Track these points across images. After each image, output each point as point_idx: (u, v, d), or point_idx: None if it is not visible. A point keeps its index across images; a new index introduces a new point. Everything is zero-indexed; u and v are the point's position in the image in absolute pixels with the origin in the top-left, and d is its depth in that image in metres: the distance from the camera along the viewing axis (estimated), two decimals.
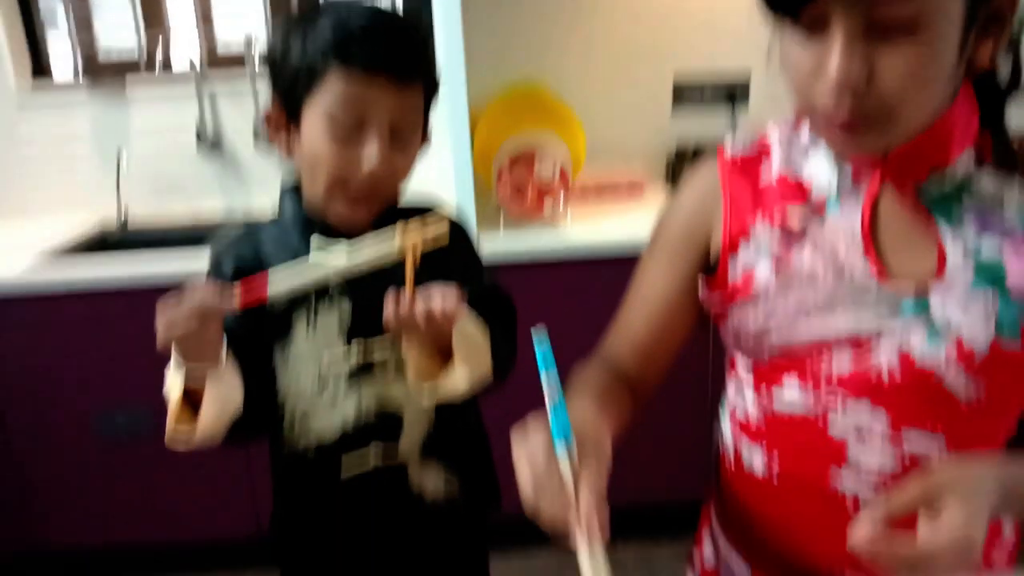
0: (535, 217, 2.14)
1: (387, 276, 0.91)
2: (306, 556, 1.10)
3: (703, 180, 0.89)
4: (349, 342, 1.01)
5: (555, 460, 0.65)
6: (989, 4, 0.68)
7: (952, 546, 0.64)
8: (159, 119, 2.50)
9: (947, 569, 0.65)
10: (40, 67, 2.54)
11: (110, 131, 2.50)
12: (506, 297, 1.09)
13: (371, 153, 0.93)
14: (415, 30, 0.98)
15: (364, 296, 0.98)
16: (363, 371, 1.02)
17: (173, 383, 0.91)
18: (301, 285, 0.92)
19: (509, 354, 1.04)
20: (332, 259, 0.92)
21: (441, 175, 2.18)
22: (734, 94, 2.45)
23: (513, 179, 2.12)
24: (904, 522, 0.67)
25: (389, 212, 1.01)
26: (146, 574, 2.25)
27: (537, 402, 0.67)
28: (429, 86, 0.99)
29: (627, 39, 2.44)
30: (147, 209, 2.52)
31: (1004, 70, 0.76)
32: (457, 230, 1.06)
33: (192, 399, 0.91)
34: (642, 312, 0.92)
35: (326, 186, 0.96)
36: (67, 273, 1.98)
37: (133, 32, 2.57)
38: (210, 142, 2.50)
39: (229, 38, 2.60)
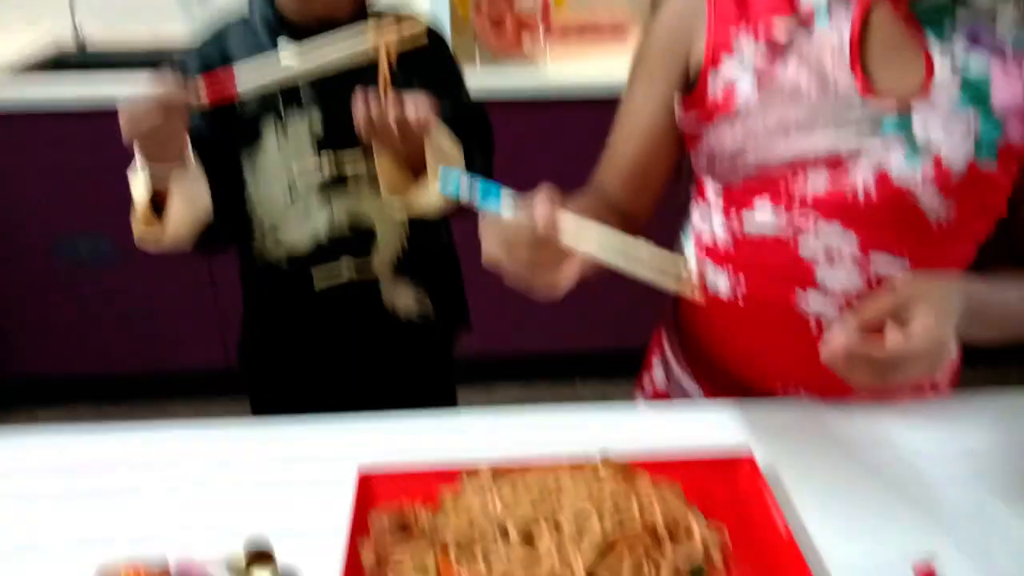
0: (514, 53, 2.06)
1: (359, 83, 0.86)
2: (278, 373, 1.10)
3: None
4: (320, 153, 0.97)
5: (515, 221, 0.63)
6: None
7: (925, 348, 0.64)
8: None
9: (919, 372, 0.65)
10: None
11: None
12: (484, 116, 1.05)
13: None
14: None
15: (335, 105, 0.93)
16: (335, 184, 0.98)
17: (138, 185, 0.88)
18: (269, 82, 0.87)
19: (485, 166, 1.01)
20: (301, 58, 0.87)
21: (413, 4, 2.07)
22: None
23: (491, 11, 2.03)
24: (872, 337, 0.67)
25: (364, 12, 0.95)
26: (114, 402, 2.26)
27: None
28: None
29: None
30: (103, 29, 2.37)
31: None
32: (435, 38, 1.01)
33: (160, 203, 0.88)
34: (628, 140, 0.89)
35: None
36: (24, 92, 1.87)
37: None
38: None
39: None
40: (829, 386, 0.85)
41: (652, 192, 0.91)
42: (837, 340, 0.66)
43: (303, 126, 0.96)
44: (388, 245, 1.02)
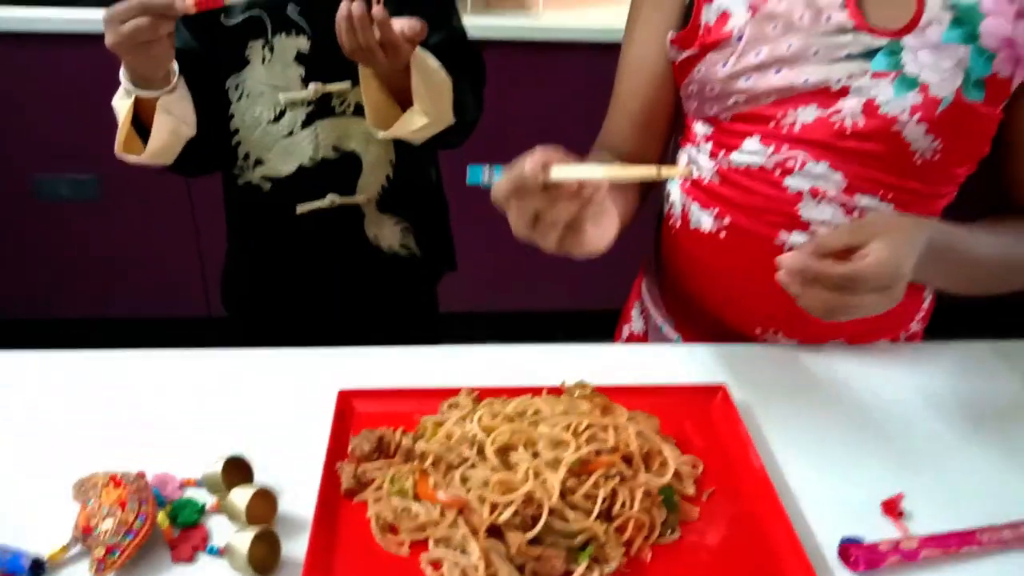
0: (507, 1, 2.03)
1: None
2: (260, 303, 1.09)
3: None
4: (307, 78, 0.95)
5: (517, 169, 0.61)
6: None
7: (876, 273, 0.64)
8: None
9: (871, 300, 0.65)
10: None
11: None
12: (475, 51, 1.04)
13: None
14: None
15: (324, 27, 0.90)
16: (321, 109, 0.97)
17: (121, 106, 0.86)
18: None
19: (475, 107, 1.00)
20: None
21: None
22: None
23: None
24: None
25: None
26: (95, 346, 2.25)
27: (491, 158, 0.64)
28: None
29: None
30: None
31: None
32: None
33: (145, 117, 0.87)
34: (632, 82, 0.89)
35: None
36: (3, 16, 1.83)
37: None
38: None
39: None
40: (807, 329, 0.86)
41: (661, 137, 0.92)
42: (791, 259, 0.66)
43: (291, 47, 0.95)
44: (373, 175, 1.01)
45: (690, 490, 0.65)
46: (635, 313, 1.04)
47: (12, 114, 1.92)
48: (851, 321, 0.77)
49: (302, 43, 0.95)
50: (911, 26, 0.74)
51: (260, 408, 0.74)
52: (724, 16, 0.79)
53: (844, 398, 0.79)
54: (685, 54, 0.82)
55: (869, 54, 0.75)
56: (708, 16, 0.80)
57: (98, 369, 0.80)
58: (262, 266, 1.07)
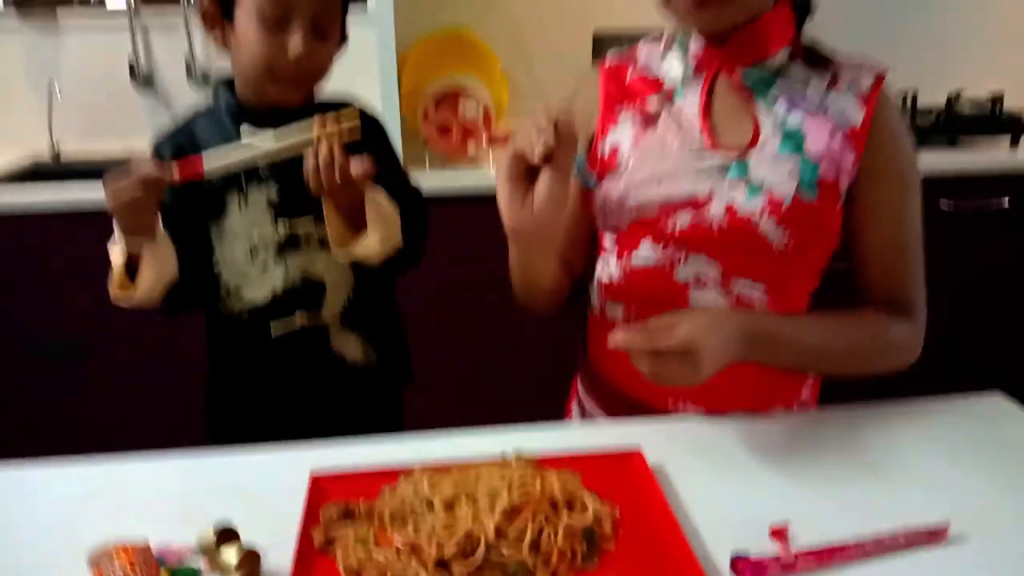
0: (460, 157, 2.27)
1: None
2: (239, 417, 1.22)
3: (586, 87, 1.08)
4: (276, 220, 1.13)
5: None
6: None
7: (682, 346, 0.82)
8: (92, 52, 2.53)
9: (680, 367, 0.82)
10: None
11: (42, 63, 2.53)
12: (416, 189, 1.23)
13: (296, 42, 1.05)
14: None
15: (289, 177, 1.09)
16: (289, 244, 1.14)
17: (115, 253, 1.03)
18: (233, 164, 1.03)
19: (420, 234, 1.18)
20: (260, 143, 1.03)
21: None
22: None
23: (438, 119, 2.25)
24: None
25: (310, 105, 1.13)
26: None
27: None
28: None
29: None
30: (79, 144, 2.56)
31: None
32: (373, 124, 1.20)
33: (134, 268, 1.03)
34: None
35: (259, 72, 1.07)
36: (2, 199, 2.03)
37: None
38: (143, 77, 2.55)
39: None
40: (712, 400, 1.01)
41: (583, 247, 1.11)
42: (620, 333, 0.84)
43: (262, 196, 1.13)
44: (336, 297, 1.17)
45: (607, 529, 0.77)
46: (574, 408, 1.18)
47: (10, 281, 2.08)
48: (747, 391, 0.95)
49: (271, 192, 1.13)
50: (752, 144, 0.95)
51: (245, 490, 0.86)
52: (614, 149, 1.00)
53: (743, 456, 0.93)
54: (591, 178, 1.01)
55: (724, 168, 0.95)
56: (603, 149, 1.01)
57: (107, 472, 0.92)
58: (242, 386, 1.21)
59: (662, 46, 1.04)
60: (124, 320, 2.09)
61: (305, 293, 1.16)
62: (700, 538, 0.78)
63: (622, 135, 1.01)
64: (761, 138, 0.95)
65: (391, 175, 1.17)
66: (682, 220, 0.96)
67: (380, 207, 1.06)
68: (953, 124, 2.54)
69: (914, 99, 2.67)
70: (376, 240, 1.05)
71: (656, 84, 1.02)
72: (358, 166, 1.00)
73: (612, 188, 1.00)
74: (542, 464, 0.84)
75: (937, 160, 2.33)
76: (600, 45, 2.60)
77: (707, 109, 0.97)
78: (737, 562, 0.73)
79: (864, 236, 0.99)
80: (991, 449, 0.95)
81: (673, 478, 0.88)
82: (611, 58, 1.08)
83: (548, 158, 0.83)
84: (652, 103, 1.00)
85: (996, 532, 0.79)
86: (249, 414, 1.21)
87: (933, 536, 0.77)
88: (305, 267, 1.16)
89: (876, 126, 0.95)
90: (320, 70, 1.11)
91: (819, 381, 1.11)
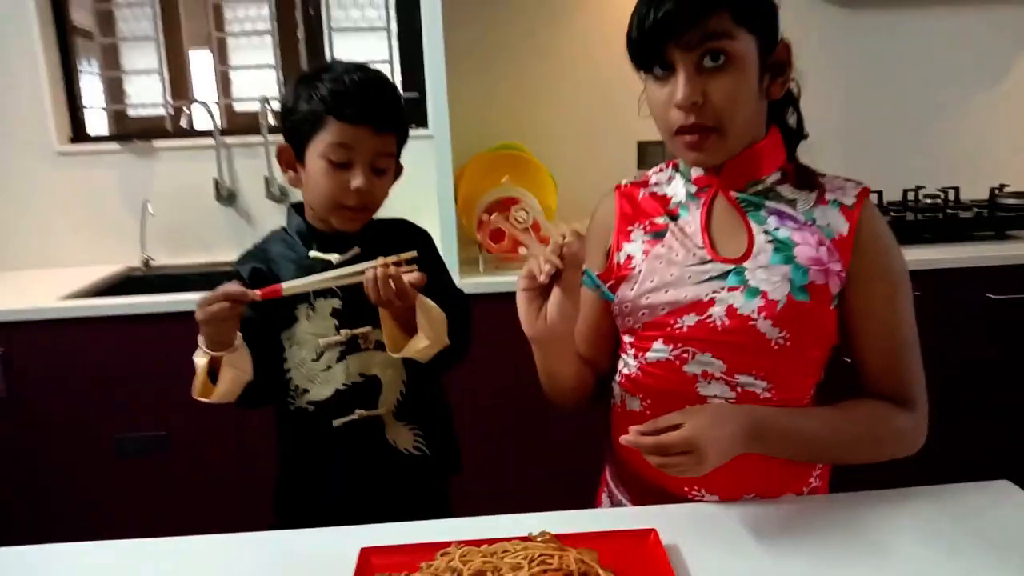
0: (511, 260, 2.43)
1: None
2: (305, 501, 1.34)
3: (605, 206, 1.23)
4: (339, 327, 1.28)
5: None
6: (772, 54, 1.03)
7: (676, 443, 0.93)
8: (181, 173, 2.82)
9: (686, 460, 0.94)
10: (78, 127, 2.87)
11: (137, 184, 2.81)
12: (460, 293, 1.37)
13: (357, 182, 1.23)
14: (392, 89, 1.29)
15: (350, 291, 1.25)
16: (350, 347, 1.29)
17: (199, 360, 1.19)
18: (307, 288, 1.20)
19: (464, 332, 1.31)
20: (329, 274, 1.20)
21: (430, 223, 2.47)
22: None
23: (491, 225, 2.42)
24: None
25: (373, 224, 1.30)
26: None
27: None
28: (401, 132, 1.30)
29: (593, 106, 2.78)
30: (168, 256, 2.82)
31: (793, 121, 1.12)
32: (421, 235, 1.37)
33: (215, 371, 1.19)
34: (582, 313, 1.21)
35: (325, 205, 1.25)
36: (94, 305, 2.26)
37: (160, 97, 2.91)
38: (226, 196, 2.81)
39: (246, 103, 2.93)
40: (725, 487, 1.10)
41: (605, 346, 1.23)
42: (631, 432, 0.96)
43: (327, 306, 1.28)
44: (390, 393, 1.31)
45: None
46: (604, 496, 1.27)
47: (93, 384, 2.29)
48: (759, 478, 1.05)
49: (335, 303, 1.29)
50: (747, 255, 1.07)
51: (306, 562, 0.99)
52: (628, 258, 1.13)
53: (753, 539, 1.01)
54: (607, 286, 1.14)
55: (724, 275, 1.07)
56: (619, 258, 1.15)
57: (190, 546, 1.05)
58: (306, 472, 1.34)
59: (669, 169, 1.19)
60: (202, 418, 2.28)
61: (363, 389, 1.31)
62: None
63: (635, 247, 1.14)
64: (755, 249, 1.07)
65: (438, 280, 1.32)
66: (688, 320, 1.08)
67: (429, 312, 1.20)
68: (996, 218, 2.62)
69: (956, 195, 2.76)
70: (426, 341, 1.19)
71: (665, 200, 1.16)
72: (412, 278, 1.15)
73: (627, 293, 1.13)
74: (564, 542, 0.94)
75: (982, 252, 2.41)
76: (644, 151, 2.78)
77: (707, 224, 1.11)
78: None
79: (860, 334, 1.09)
80: (996, 534, 1.00)
81: (686, 556, 0.96)
82: (626, 182, 1.23)
83: (557, 276, 0.96)
84: (659, 219, 1.14)
85: None
86: (312, 497, 1.34)
87: None
88: (363, 367, 1.30)
89: (861, 234, 1.07)
90: (377, 202, 1.29)
91: (828, 469, 1.18)
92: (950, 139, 2.96)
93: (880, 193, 2.73)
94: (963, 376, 2.45)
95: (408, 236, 1.39)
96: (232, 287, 1.14)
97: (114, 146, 2.80)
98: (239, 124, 2.91)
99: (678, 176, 1.17)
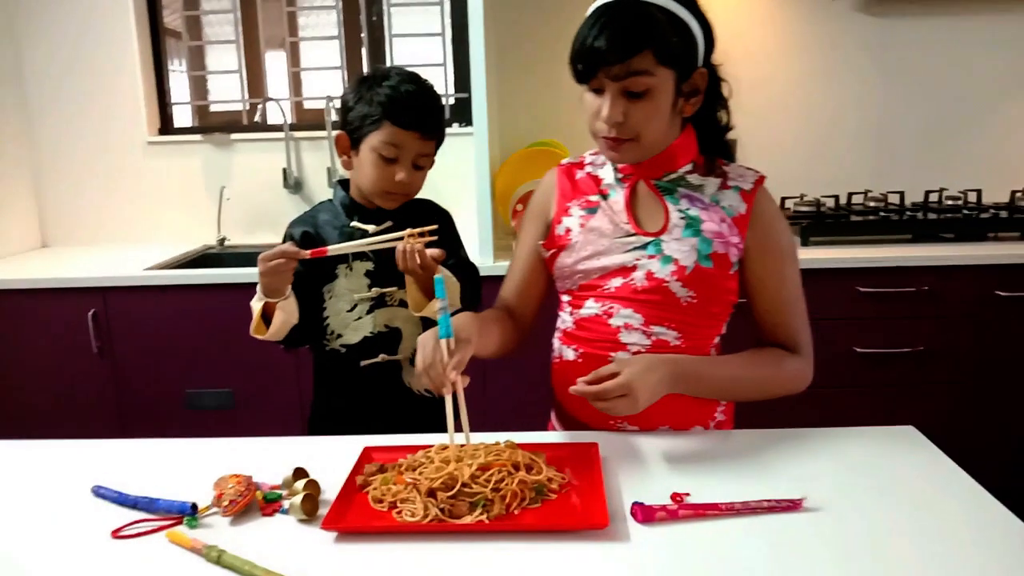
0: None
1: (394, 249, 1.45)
2: (333, 422, 1.61)
3: (548, 180, 1.46)
4: (371, 287, 1.55)
5: (439, 347, 1.17)
6: (688, 82, 1.25)
7: (614, 389, 1.14)
8: (254, 163, 3.15)
9: (623, 404, 1.15)
10: (165, 120, 3.24)
11: (216, 172, 3.16)
12: (472, 266, 1.62)
13: (401, 176, 1.50)
14: (438, 100, 1.55)
15: (382, 257, 1.52)
16: (379, 303, 1.56)
17: (256, 304, 1.47)
18: (347, 250, 1.46)
19: (474, 299, 1.57)
20: (366, 239, 1.46)
21: (467, 212, 2.73)
22: None
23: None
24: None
25: (406, 203, 1.57)
26: None
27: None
28: (440, 138, 1.56)
29: None
30: (241, 236, 3.16)
31: (723, 118, 1.33)
32: (444, 215, 1.63)
33: (268, 315, 1.47)
34: (517, 266, 1.49)
35: (372, 191, 1.53)
36: (175, 275, 2.61)
37: (239, 94, 3.25)
38: (293, 184, 3.13)
39: (313, 100, 3.25)
40: (644, 420, 1.33)
41: (535, 300, 1.48)
42: (579, 383, 1.18)
43: (362, 268, 1.55)
44: (409, 342, 1.57)
45: (555, 486, 1.10)
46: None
47: (170, 343, 2.63)
48: (670, 411, 1.30)
49: (369, 265, 1.56)
50: (664, 229, 1.30)
51: (325, 458, 1.24)
52: (568, 230, 1.37)
53: (665, 454, 1.24)
54: (549, 253, 1.38)
55: (644, 246, 1.30)
56: (559, 230, 1.39)
57: (243, 445, 1.33)
58: (335, 403, 1.62)
59: (600, 156, 1.41)
60: (263, 379, 2.59)
61: (387, 338, 1.57)
62: (620, 496, 1.10)
63: (573, 221, 1.37)
64: (670, 224, 1.30)
65: (454, 254, 1.57)
66: (615, 283, 1.32)
67: (446, 279, 1.45)
68: (1015, 219, 2.77)
69: (978, 197, 2.89)
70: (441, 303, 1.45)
71: (598, 181, 1.39)
72: (433, 253, 1.41)
73: (565, 260, 1.37)
74: (521, 447, 1.18)
75: (1002, 251, 2.58)
76: None
77: (631, 204, 1.34)
78: (634, 506, 1.04)
79: (756, 295, 1.33)
80: (859, 451, 1.22)
81: (611, 463, 1.20)
82: (566, 161, 1.46)
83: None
84: (593, 198, 1.37)
85: (843, 506, 1.07)
86: (339, 422, 1.61)
87: (791, 506, 1.06)
88: (388, 319, 1.57)
89: (756, 214, 1.30)
90: (415, 191, 1.56)
91: (732, 407, 1.42)
92: (976, 143, 3.08)
93: (902, 194, 2.89)
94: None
95: (432, 214, 1.64)
96: (289, 246, 1.41)
97: (197, 138, 3.15)
98: (307, 120, 3.23)
99: (608, 162, 1.39)
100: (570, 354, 1.38)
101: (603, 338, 1.33)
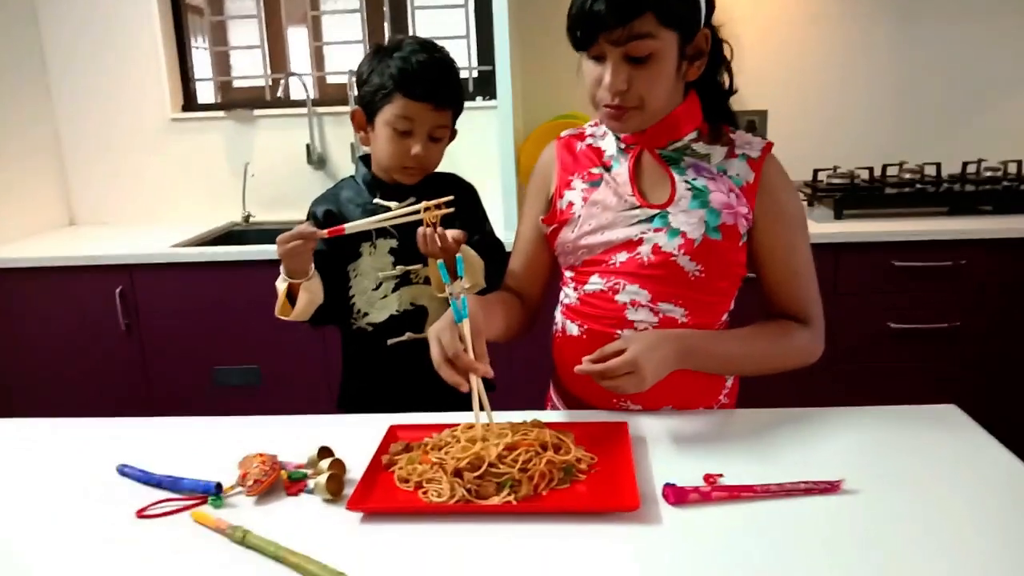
0: None
1: (419, 226, 1.42)
2: (362, 403, 1.60)
3: (547, 155, 1.42)
4: (395, 264, 1.53)
5: (454, 334, 1.14)
6: (691, 44, 1.19)
7: (621, 366, 1.11)
8: (278, 139, 3.13)
9: (629, 381, 1.11)
10: (188, 97, 3.22)
11: (239, 148, 3.15)
12: (498, 242, 1.59)
13: (416, 149, 1.46)
14: (452, 69, 1.51)
15: (405, 234, 1.49)
16: (403, 281, 1.54)
17: (280, 285, 1.45)
18: (364, 227, 1.43)
19: (498, 276, 1.53)
20: (383, 214, 1.43)
21: (492, 187, 2.69)
22: (753, 125, 2.92)
23: None
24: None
25: (428, 177, 1.54)
26: None
27: None
28: (457, 108, 1.52)
29: None
30: (265, 212, 3.15)
31: (726, 82, 1.28)
32: (468, 190, 1.59)
33: (293, 295, 1.45)
34: (519, 245, 1.45)
35: (389, 164, 1.50)
36: (200, 252, 2.60)
37: (261, 69, 3.23)
38: (317, 160, 3.11)
39: (336, 76, 3.22)
40: (649, 400, 1.29)
41: (541, 279, 1.44)
42: (584, 362, 1.14)
43: (386, 246, 1.53)
44: (434, 320, 1.52)
45: (584, 467, 1.08)
46: (550, 409, 1.47)
47: (196, 320, 2.63)
48: (674, 392, 1.26)
49: (393, 243, 1.53)
50: (670, 201, 1.25)
51: (352, 438, 1.22)
52: (570, 204, 1.33)
53: (707, 436, 1.21)
54: (550, 228, 1.34)
55: (650, 219, 1.26)
56: (561, 205, 1.34)
57: (274, 422, 1.32)
58: (363, 380, 1.60)
59: (603, 125, 1.35)
60: (289, 356, 2.59)
61: (413, 316, 1.55)
62: (651, 478, 1.07)
63: (575, 195, 1.33)
64: (677, 196, 1.26)
65: (479, 230, 1.54)
66: (620, 258, 1.28)
67: (470, 260, 1.43)
68: None
69: (1019, 168, 2.81)
70: (465, 283, 1.41)
71: (600, 153, 1.35)
72: (454, 235, 1.38)
73: (568, 234, 1.32)
74: (548, 426, 1.16)
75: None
76: None
77: (635, 175, 1.29)
78: (665, 488, 1.01)
79: (765, 266, 1.29)
80: (899, 430, 1.17)
81: (644, 446, 1.17)
82: (565, 134, 1.42)
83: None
84: (596, 170, 1.33)
85: (882, 488, 1.03)
86: (367, 399, 1.59)
87: (829, 488, 1.02)
88: (414, 297, 1.55)
89: (765, 182, 1.25)
90: (433, 164, 1.53)
91: (736, 389, 1.38)
92: (1016, 113, 2.99)
93: (938, 165, 2.81)
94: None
95: (456, 189, 1.61)
96: (304, 228, 1.39)
97: (220, 114, 3.14)
98: (329, 95, 3.21)
99: (610, 133, 1.34)
100: (574, 329, 1.35)
101: (609, 315, 1.29)
